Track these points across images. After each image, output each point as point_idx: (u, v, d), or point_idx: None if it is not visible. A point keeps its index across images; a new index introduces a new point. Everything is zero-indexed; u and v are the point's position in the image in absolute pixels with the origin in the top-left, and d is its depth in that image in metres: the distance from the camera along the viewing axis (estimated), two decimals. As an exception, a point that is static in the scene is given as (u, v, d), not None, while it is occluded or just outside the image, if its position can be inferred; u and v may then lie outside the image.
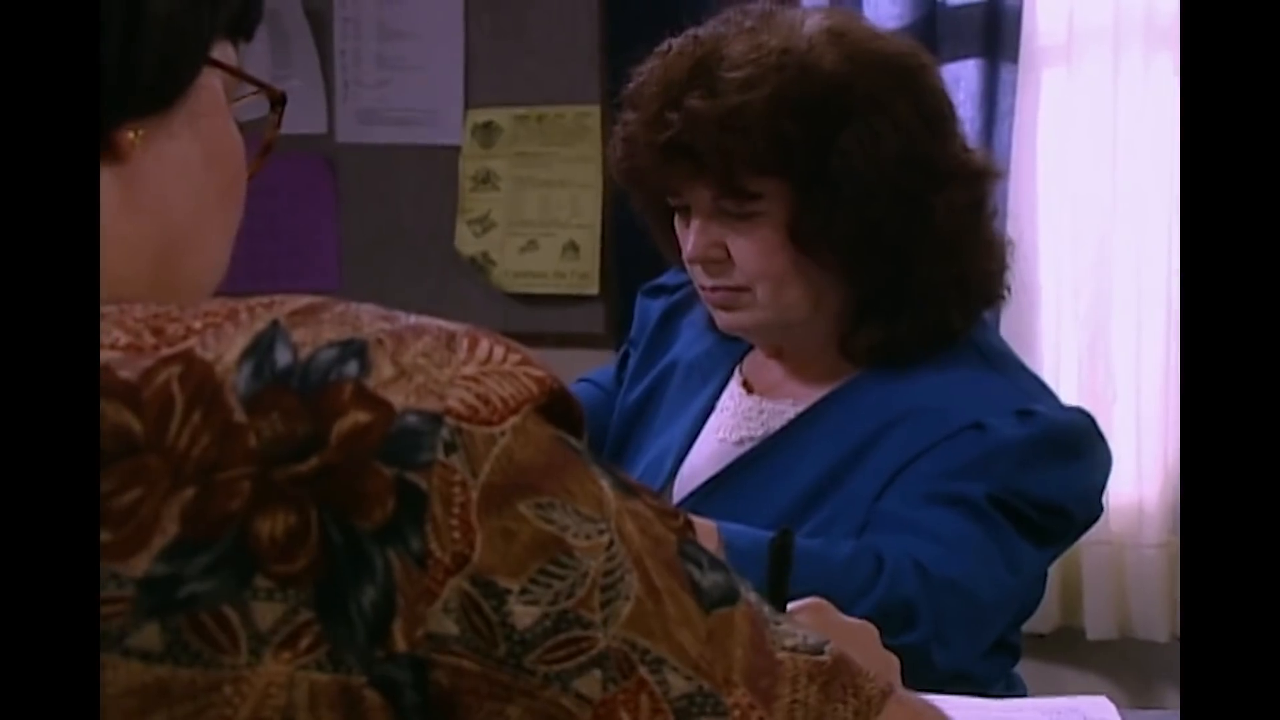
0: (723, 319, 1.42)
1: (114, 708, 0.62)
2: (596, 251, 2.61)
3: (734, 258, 1.37)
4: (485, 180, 2.65)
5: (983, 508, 1.31)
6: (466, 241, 2.66)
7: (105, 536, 0.62)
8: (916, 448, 1.34)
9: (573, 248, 2.63)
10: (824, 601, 0.91)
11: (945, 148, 1.38)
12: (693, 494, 1.45)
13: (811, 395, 1.44)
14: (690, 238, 1.39)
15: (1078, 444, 1.38)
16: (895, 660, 0.91)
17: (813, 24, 1.38)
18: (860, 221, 1.34)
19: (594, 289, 2.61)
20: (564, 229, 2.63)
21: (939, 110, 1.39)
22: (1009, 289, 1.45)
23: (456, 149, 2.65)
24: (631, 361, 1.61)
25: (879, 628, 0.97)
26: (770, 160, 1.33)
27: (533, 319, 2.64)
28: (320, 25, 2.68)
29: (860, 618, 1.09)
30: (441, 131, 2.65)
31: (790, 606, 0.91)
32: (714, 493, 1.43)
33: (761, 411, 1.46)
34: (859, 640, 0.90)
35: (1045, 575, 1.47)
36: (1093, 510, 1.42)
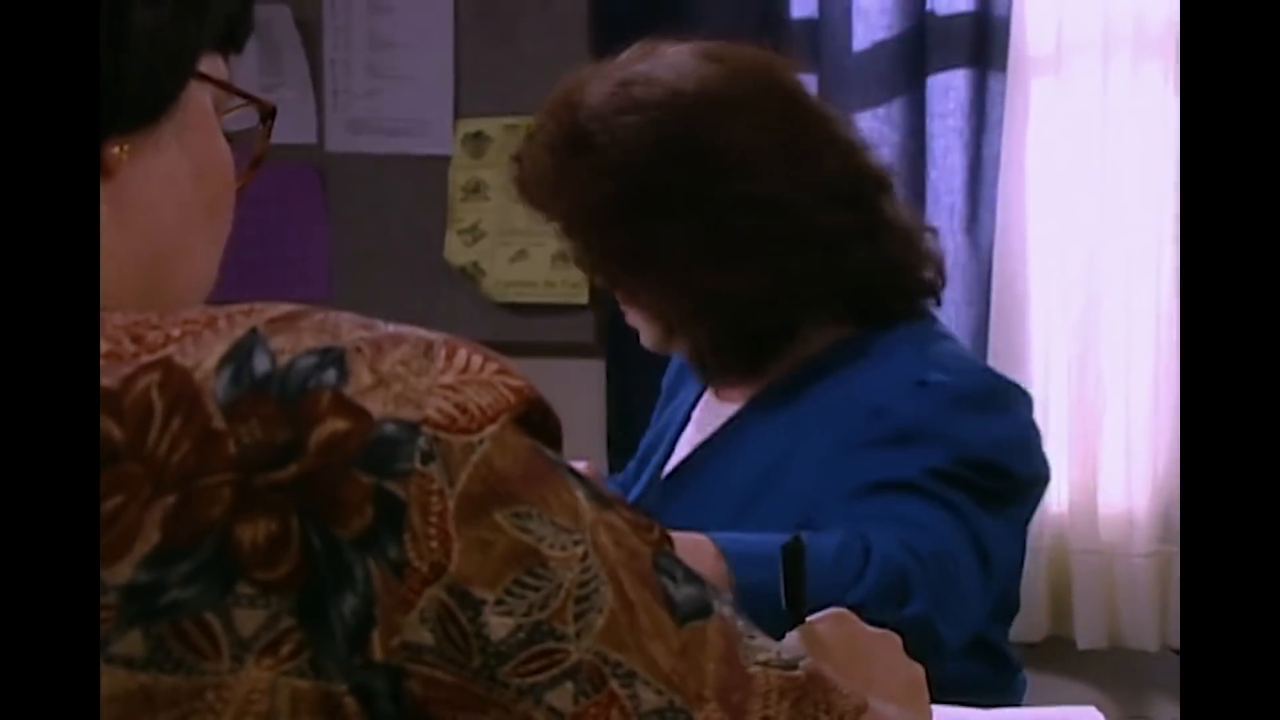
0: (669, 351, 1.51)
1: (100, 714, 0.62)
2: (587, 261, 2.61)
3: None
4: (475, 190, 2.65)
5: (926, 486, 1.32)
6: (457, 251, 2.66)
7: None
8: (840, 437, 1.37)
9: (563, 257, 2.60)
10: (846, 611, 0.90)
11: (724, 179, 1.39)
12: (654, 496, 1.49)
13: (749, 396, 1.49)
14: None
15: (991, 399, 1.40)
16: (919, 670, 0.89)
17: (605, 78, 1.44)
18: (607, 257, 1.43)
19: (584, 298, 2.61)
20: (554, 239, 2.62)
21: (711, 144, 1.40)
22: (934, 281, 1.47)
23: (447, 159, 2.65)
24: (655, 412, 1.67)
25: (879, 606, 0.99)
26: (546, 201, 1.44)
27: (523, 328, 2.63)
28: (310, 34, 2.68)
29: (859, 600, 1.13)
30: (432, 141, 2.65)
31: (811, 617, 0.90)
32: (669, 495, 1.47)
33: (717, 415, 1.50)
34: (880, 650, 0.89)
35: (1020, 554, 1.47)
36: (1032, 463, 1.42)
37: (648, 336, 1.47)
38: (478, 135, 2.64)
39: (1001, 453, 1.36)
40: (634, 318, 1.47)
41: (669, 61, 1.40)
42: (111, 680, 0.62)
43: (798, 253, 1.38)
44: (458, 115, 2.64)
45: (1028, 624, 2.39)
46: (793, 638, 0.87)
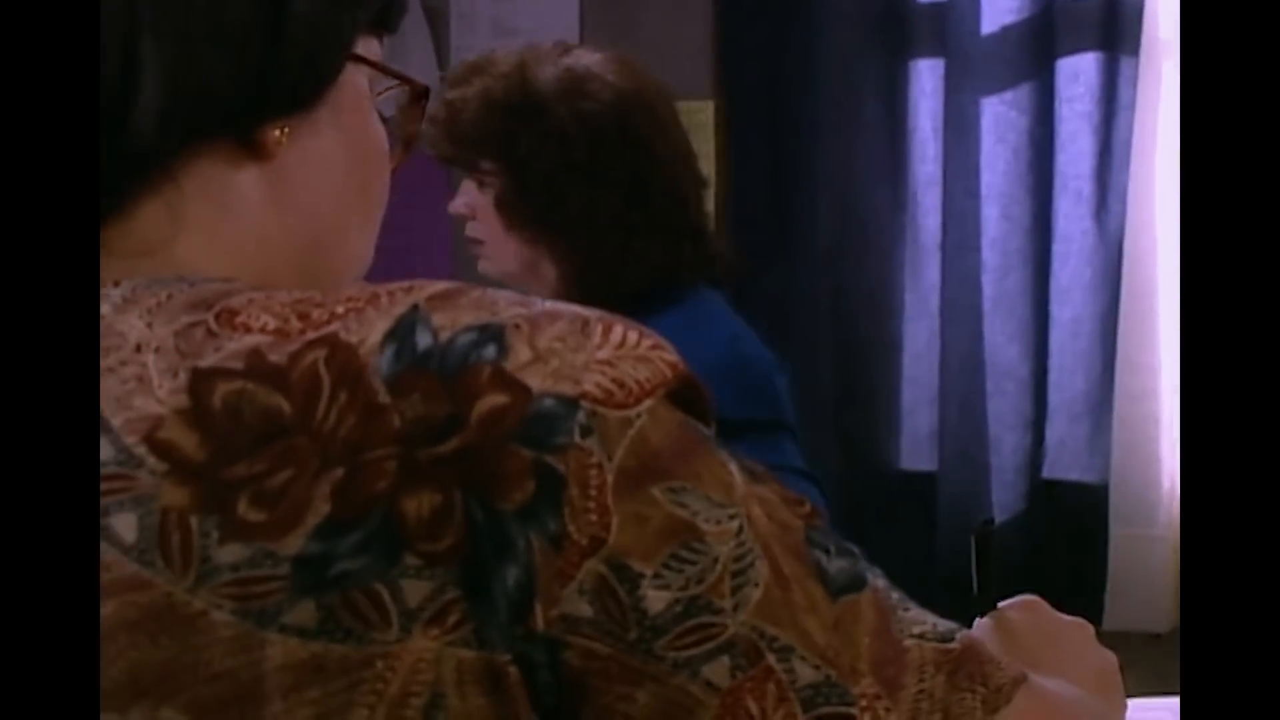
0: (478, 266, 1.77)
1: (272, 682, 0.63)
2: (708, 247, 2.61)
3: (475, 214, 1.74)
4: (598, 176, 2.67)
5: None
6: (579, 237, 2.68)
7: (260, 516, 0.64)
8: None
9: (684, 243, 2.63)
10: (1037, 598, 0.89)
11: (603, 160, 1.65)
12: None
13: None
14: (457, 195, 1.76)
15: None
16: (1112, 658, 0.88)
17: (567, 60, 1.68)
18: (540, 204, 1.66)
19: (705, 284, 2.62)
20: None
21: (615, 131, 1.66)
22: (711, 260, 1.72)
23: (569, 145, 2.67)
24: None
25: None
26: (483, 143, 1.67)
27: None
28: (436, 22, 2.71)
29: None
30: (555, 127, 2.67)
31: (1003, 604, 0.89)
32: None
33: None
34: (1072, 637, 0.88)
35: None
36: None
37: (516, 265, 1.69)
38: (601, 121, 2.65)
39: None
40: (510, 248, 1.69)
41: (603, 63, 1.68)
42: (285, 649, 0.63)
43: (688, 236, 1.69)
44: (581, 102, 2.65)
45: (1153, 615, 2.36)
46: (984, 623, 0.87)
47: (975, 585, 0.90)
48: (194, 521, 0.64)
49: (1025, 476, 2.44)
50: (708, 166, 2.60)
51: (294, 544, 0.63)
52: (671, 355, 0.68)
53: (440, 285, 0.69)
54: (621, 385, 0.66)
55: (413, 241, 2.74)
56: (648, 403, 0.66)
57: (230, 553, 0.64)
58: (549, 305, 0.68)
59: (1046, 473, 2.44)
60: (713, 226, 1.76)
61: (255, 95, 0.73)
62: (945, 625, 0.69)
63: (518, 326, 0.66)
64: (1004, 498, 2.45)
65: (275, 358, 0.66)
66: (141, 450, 0.65)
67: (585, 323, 0.67)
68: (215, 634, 0.63)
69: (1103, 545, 2.38)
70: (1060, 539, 2.43)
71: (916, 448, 2.54)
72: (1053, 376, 2.42)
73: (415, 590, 0.63)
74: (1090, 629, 0.90)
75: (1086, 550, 2.39)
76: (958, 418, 2.44)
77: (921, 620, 0.69)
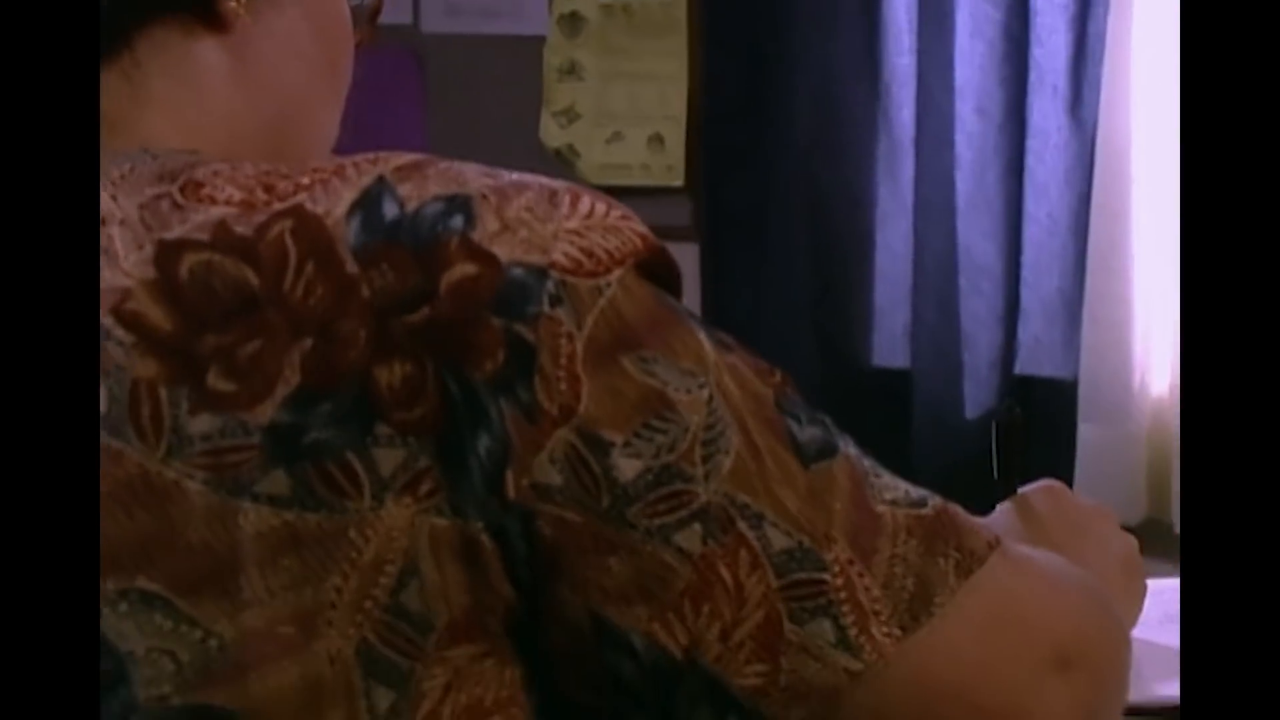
0: None
1: (246, 551, 0.63)
2: (682, 144, 2.60)
3: None
4: (570, 71, 2.64)
5: None
6: (552, 133, 2.66)
7: (230, 387, 0.64)
8: None
9: (658, 140, 2.62)
10: (1058, 483, 0.89)
11: None
12: None
13: None
14: None
15: None
16: (1133, 543, 0.88)
17: None
18: None
19: (679, 181, 2.61)
20: (650, 121, 2.62)
21: None
22: None
23: (542, 40, 2.64)
24: None
25: None
26: None
27: (618, 211, 2.63)
28: (406, -85, 2.67)
29: None
30: (527, 22, 2.64)
31: (1023, 489, 0.89)
32: None
33: None
34: (1094, 524, 0.88)
35: None
36: None
37: None
38: (573, 16, 2.62)
39: None
40: None
41: None
42: (259, 517, 0.63)
43: None
44: (554, -4, 2.63)
45: (1126, 506, 2.38)
46: (1005, 508, 0.86)
47: (995, 471, 0.89)
48: (164, 393, 0.64)
49: (998, 372, 2.45)
50: (682, 61, 2.58)
51: (265, 414, 0.63)
52: (641, 227, 0.68)
53: (406, 157, 0.68)
54: (590, 255, 0.65)
55: (385, 136, 2.72)
56: (617, 272, 0.66)
57: (201, 423, 0.63)
58: (516, 176, 0.68)
59: (1019, 369, 2.45)
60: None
61: None
62: (918, 492, 0.69)
63: (485, 197, 0.66)
64: (977, 393, 2.46)
65: (242, 229, 0.65)
66: (109, 322, 0.65)
67: (553, 193, 0.67)
68: (189, 504, 0.63)
69: (1072, 440, 2.40)
70: (1032, 434, 2.44)
71: (891, 345, 2.54)
72: (1027, 273, 2.42)
73: (388, 459, 0.63)
74: (1112, 515, 0.89)
75: (1058, 445, 2.41)
76: (932, 315, 2.45)
77: (894, 487, 0.69)
